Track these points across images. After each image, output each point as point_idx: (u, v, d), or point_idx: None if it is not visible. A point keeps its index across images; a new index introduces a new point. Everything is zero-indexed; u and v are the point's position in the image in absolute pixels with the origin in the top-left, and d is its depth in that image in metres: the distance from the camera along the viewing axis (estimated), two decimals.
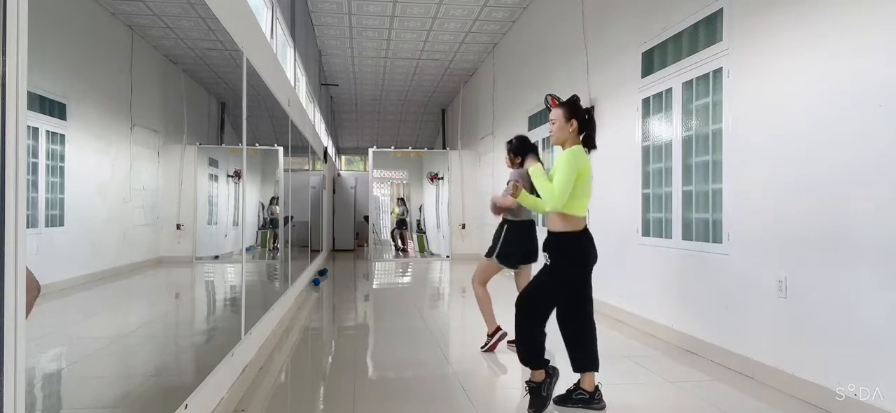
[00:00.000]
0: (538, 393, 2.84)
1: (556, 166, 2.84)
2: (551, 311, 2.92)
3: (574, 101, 2.97)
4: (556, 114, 2.94)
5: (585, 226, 2.91)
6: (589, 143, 2.95)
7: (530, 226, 4.07)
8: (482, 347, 4.07)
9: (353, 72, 12.02)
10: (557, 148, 3.01)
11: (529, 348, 2.87)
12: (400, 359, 3.98)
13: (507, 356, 3.95)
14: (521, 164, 4.04)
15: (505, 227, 4.06)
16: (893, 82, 2.57)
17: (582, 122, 2.91)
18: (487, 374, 3.66)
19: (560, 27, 6.81)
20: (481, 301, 4.11)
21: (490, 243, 4.13)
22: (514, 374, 3.62)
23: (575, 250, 2.86)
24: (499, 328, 4.07)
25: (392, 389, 3.29)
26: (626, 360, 3.82)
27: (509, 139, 4.14)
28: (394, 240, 13.13)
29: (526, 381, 2.91)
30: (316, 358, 4.24)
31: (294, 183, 6.31)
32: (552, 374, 2.90)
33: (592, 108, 3.06)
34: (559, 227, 2.87)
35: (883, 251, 2.61)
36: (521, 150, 4.03)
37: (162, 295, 2.92)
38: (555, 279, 2.88)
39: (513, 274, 4.22)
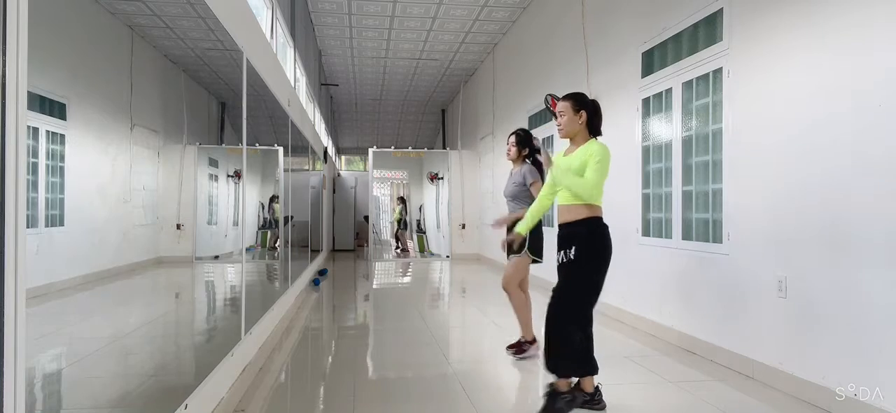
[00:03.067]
0: (553, 402, 2.79)
1: (587, 160, 2.78)
2: (591, 307, 2.83)
3: (579, 93, 2.99)
4: (564, 106, 2.93)
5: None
6: (595, 132, 2.96)
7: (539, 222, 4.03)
8: (513, 352, 3.89)
9: (353, 72, 12.02)
10: (565, 142, 3.01)
11: (559, 354, 2.79)
12: (400, 359, 3.98)
13: (507, 357, 3.94)
14: (528, 156, 4.04)
15: None
16: (894, 82, 2.57)
17: (590, 112, 2.92)
18: (487, 374, 3.66)
19: (560, 27, 6.81)
20: (520, 307, 3.92)
21: (505, 245, 3.95)
22: (514, 375, 3.63)
23: (604, 236, 2.82)
24: (535, 340, 3.88)
25: (392, 389, 3.29)
26: (626, 360, 3.82)
27: (516, 130, 4.12)
28: (396, 240, 13.18)
29: (548, 384, 2.87)
30: (316, 358, 4.24)
31: (294, 183, 6.30)
32: (575, 396, 2.83)
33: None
34: (583, 214, 2.80)
35: (883, 251, 2.61)
36: (527, 142, 4.04)
37: (162, 295, 2.92)
38: (587, 269, 2.77)
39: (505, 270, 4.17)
